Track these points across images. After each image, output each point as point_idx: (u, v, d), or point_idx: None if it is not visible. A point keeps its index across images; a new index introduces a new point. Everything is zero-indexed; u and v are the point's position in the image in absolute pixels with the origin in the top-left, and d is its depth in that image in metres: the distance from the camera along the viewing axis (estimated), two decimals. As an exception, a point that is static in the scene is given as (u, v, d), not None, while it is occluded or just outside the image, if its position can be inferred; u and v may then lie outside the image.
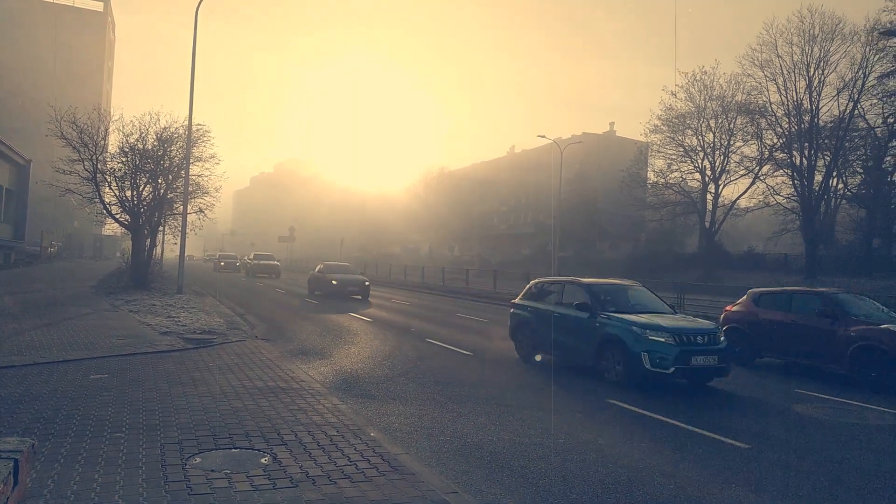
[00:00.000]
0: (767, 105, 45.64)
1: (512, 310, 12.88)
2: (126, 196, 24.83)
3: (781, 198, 46.24)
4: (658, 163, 53.50)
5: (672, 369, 9.24)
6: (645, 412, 8.18)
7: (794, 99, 43.81)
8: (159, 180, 25.27)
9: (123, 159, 24.79)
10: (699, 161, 50.57)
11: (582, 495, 5.25)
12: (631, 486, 5.50)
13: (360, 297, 27.02)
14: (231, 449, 5.63)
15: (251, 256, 52.43)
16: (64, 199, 25.38)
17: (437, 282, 38.36)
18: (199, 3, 23.48)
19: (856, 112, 42.38)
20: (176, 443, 5.68)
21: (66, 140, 23.59)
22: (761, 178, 47.53)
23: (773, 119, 45.39)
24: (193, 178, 25.23)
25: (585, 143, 65.53)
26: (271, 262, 47.81)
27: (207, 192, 26.69)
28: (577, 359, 10.93)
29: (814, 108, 43.32)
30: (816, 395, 9.84)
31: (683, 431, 7.37)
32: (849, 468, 6.29)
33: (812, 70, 42.88)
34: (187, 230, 24.79)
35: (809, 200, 43.23)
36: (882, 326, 10.49)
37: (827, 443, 7.20)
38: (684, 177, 51.78)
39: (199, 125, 25.84)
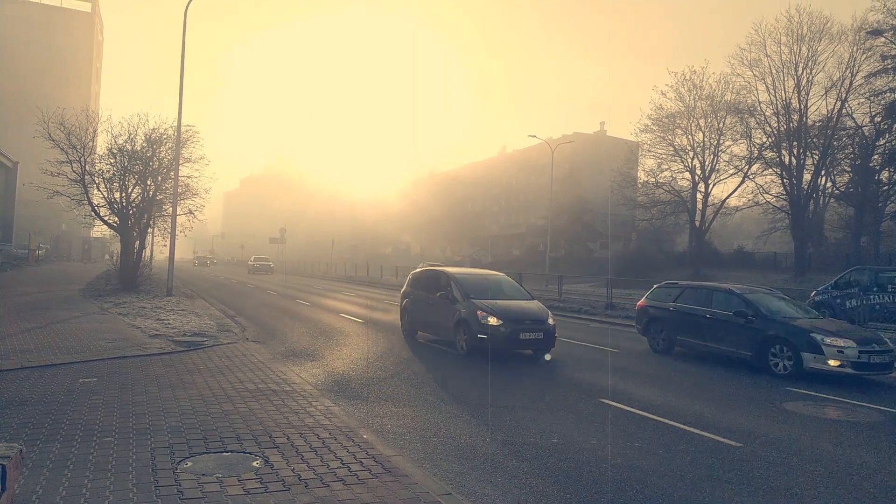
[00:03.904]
0: (756, 104, 45.91)
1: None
2: (114, 198, 24.71)
3: (770, 196, 46.52)
4: (648, 162, 53.75)
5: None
6: (637, 411, 8.20)
7: (783, 98, 44.09)
8: (148, 182, 25.15)
9: (112, 161, 24.68)
10: (689, 160, 50.80)
11: (575, 495, 5.24)
12: (624, 485, 5.49)
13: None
14: (222, 452, 5.59)
15: None
16: (52, 201, 25.19)
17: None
18: (189, 3, 23.32)
19: (843, 111, 42.69)
20: (166, 447, 5.63)
21: (54, 142, 23.45)
22: (750, 176, 47.80)
23: (762, 118, 45.65)
24: (183, 179, 25.11)
25: (576, 142, 65.70)
26: None
27: (197, 194, 26.59)
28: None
29: (802, 107, 43.60)
30: (805, 392, 9.90)
31: (676, 430, 7.38)
32: (839, 465, 6.32)
33: (800, 69, 43.16)
34: (177, 232, 24.67)
35: (798, 199, 43.51)
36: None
37: (817, 440, 7.24)
38: (674, 176, 52.01)
39: (188, 126, 25.75)
